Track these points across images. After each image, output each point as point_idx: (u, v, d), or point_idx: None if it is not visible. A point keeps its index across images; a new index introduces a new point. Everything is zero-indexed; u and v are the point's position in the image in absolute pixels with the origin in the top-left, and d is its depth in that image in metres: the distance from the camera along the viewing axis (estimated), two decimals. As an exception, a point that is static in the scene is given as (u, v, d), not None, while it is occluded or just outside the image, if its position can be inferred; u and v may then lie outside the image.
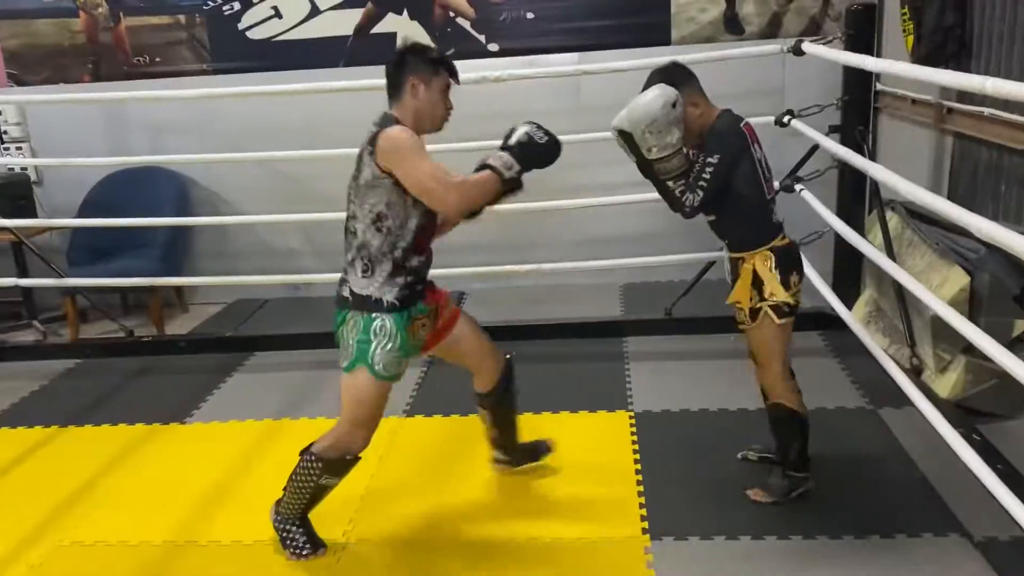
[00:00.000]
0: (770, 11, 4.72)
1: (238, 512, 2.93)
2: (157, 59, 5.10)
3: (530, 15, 4.84)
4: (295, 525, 2.65)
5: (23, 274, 4.88)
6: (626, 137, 2.50)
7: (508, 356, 2.90)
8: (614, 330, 4.29)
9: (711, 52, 3.97)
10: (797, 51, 3.61)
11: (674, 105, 2.46)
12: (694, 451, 3.13)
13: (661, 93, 2.46)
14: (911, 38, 3.66)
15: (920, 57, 3.62)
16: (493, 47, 4.90)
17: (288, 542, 2.65)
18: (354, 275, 2.51)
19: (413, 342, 2.55)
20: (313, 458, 2.55)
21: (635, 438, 3.24)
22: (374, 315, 2.46)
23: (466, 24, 4.90)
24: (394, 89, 2.47)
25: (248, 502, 2.98)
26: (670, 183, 2.55)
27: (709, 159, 2.50)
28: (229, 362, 4.29)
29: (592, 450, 3.19)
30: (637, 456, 3.11)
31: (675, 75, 2.57)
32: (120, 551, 2.74)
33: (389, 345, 2.46)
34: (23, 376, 4.30)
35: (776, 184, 2.71)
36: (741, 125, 2.55)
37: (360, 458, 2.60)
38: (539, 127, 2.50)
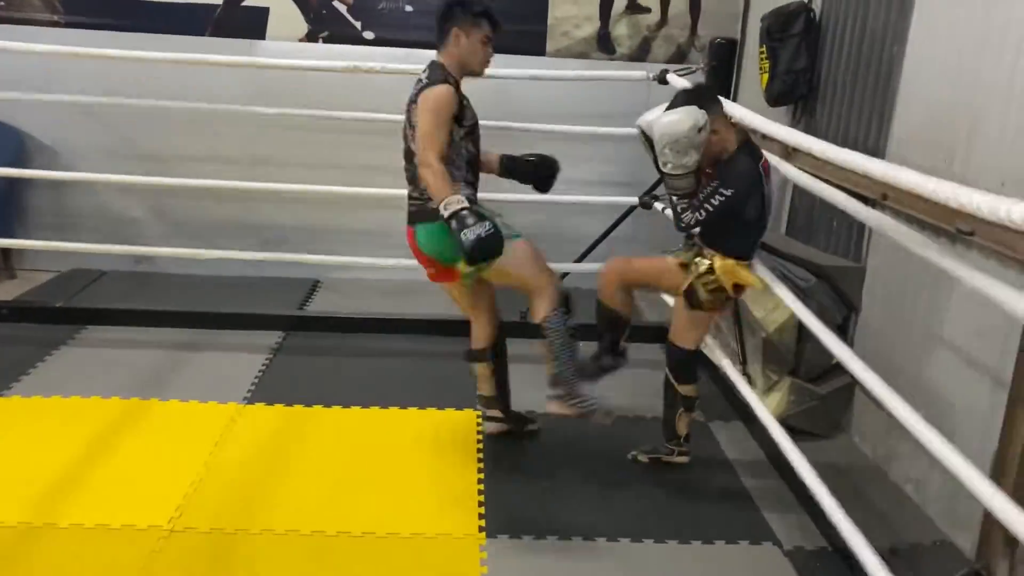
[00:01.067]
0: (641, 35, 4.90)
1: (50, 491, 2.75)
2: (2, 4, 4.72)
3: (408, 8, 4.81)
4: (580, 381, 2.89)
5: None
6: (648, 142, 2.68)
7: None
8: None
9: (583, 72, 4.09)
10: (662, 80, 3.76)
11: (700, 130, 2.56)
12: (537, 452, 3.20)
13: (691, 116, 2.56)
14: (766, 76, 3.90)
15: (772, 96, 3.85)
16: (368, 35, 4.84)
17: (580, 403, 2.86)
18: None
19: None
20: (553, 314, 2.83)
21: (480, 437, 3.28)
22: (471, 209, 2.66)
23: (343, 8, 4.81)
24: (441, 37, 2.79)
25: (61, 482, 2.80)
26: (674, 198, 2.68)
27: (722, 190, 2.60)
28: (58, 335, 4.01)
29: (437, 447, 3.20)
30: (481, 455, 3.14)
31: (704, 100, 2.65)
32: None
33: (490, 217, 2.66)
34: None
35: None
36: (760, 164, 2.66)
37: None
38: (486, 231, 2.54)
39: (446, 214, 2.58)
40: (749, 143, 2.73)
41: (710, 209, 2.62)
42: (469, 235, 2.53)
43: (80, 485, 2.80)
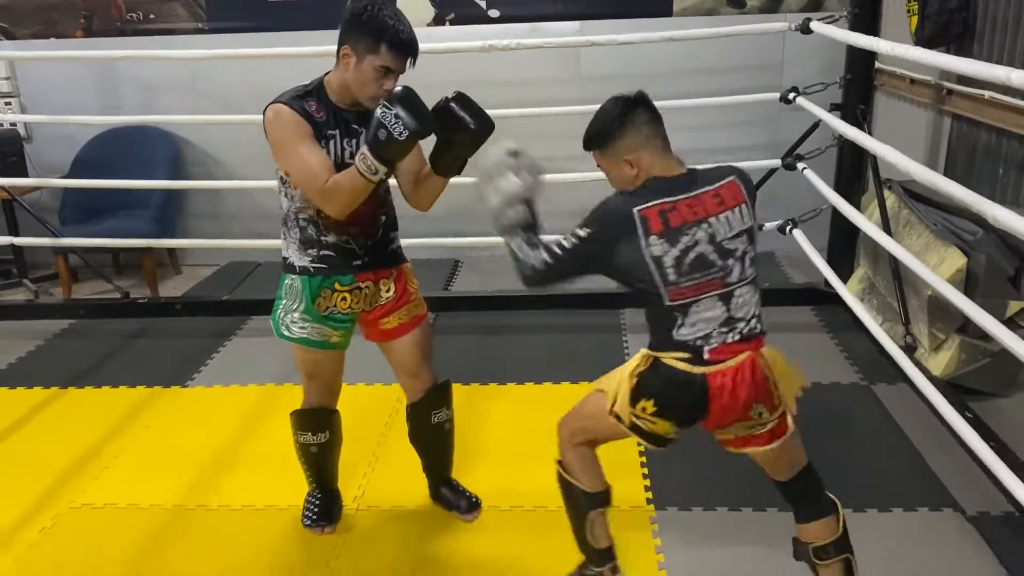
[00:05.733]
0: (772, -15, 4.72)
1: (247, 476, 2.97)
2: (151, 16, 5.01)
3: (532, -19, 4.80)
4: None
5: (14, 232, 4.83)
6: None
7: (435, 383, 2.64)
8: (610, 302, 4.32)
9: (716, 28, 3.96)
10: (805, 30, 3.63)
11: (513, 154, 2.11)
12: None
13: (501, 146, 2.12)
14: (915, 19, 3.70)
15: (923, 38, 3.66)
16: (494, 13, 4.86)
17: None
18: (282, 237, 2.45)
19: (321, 311, 2.39)
20: (292, 414, 2.61)
21: (636, 409, 3.30)
22: (287, 276, 2.41)
23: (467, -11, 4.85)
24: (337, 49, 2.21)
25: (257, 466, 3.02)
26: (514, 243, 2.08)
27: (576, 229, 1.96)
28: (227, 326, 4.28)
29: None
30: (639, 427, 3.16)
31: (609, 122, 1.99)
32: (131, 514, 2.77)
33: (293, 306, 2.39)
34: (16, 335, 4.27)
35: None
36: (636, 209, 1.88)
37: (325, 410, 2.63)
38: (404, 109, 2.04)
39: (378, 176, 2.11)
40: (648, 182, 1.94)
41: (559, 253, 1.97)
42: (388, 121, 2.03)
43: (268, 467, 3.01)
